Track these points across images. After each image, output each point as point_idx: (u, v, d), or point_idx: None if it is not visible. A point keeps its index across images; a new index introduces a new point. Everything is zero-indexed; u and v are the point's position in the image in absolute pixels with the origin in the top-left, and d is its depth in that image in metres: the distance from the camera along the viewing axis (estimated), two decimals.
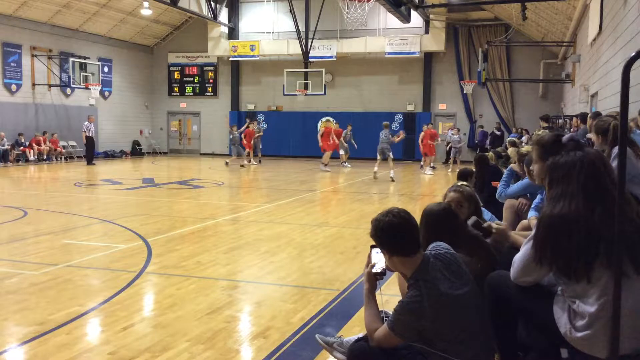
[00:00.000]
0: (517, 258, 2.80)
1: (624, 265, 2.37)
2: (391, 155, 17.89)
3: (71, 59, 23.35)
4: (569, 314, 2.60)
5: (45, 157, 23.22)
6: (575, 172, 2.61)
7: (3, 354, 4.01)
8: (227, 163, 22.27)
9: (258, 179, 17.97)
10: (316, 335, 3.72)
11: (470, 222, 3.50)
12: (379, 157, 18.05)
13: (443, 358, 2.71)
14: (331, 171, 20.20)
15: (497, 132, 23.72)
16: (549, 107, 23.17)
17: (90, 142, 22.38)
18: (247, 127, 23.46)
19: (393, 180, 16.93)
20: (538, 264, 2.64)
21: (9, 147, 21.86)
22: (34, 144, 22.85)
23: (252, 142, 23.17)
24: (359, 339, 3.09)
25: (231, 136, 23.17)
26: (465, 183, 4.36)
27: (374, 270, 2.97)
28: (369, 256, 3.00)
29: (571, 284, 2.57)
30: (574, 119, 12.54)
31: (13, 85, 22.59)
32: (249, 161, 22.84)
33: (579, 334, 2.53)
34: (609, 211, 2.45)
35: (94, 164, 22.01)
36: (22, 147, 22.47)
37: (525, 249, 2.75)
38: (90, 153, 22.44)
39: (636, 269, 2.46)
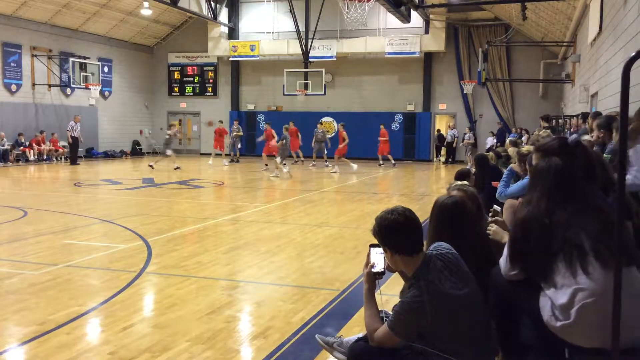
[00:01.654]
0: (503, 256, 3.00)
1: (587, 263, 2.58)
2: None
3: (71, 59, 23.35)
4: (552, 303, 2.68)
5: (45, 157, 23.23)
6: (542, 178, 2.89)
7: (3, 354, 4.01)
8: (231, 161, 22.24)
9: (257, 180, 17.96)
10: (316, 336, 3.72)
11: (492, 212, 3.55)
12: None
13: (443, 358, 2.71)
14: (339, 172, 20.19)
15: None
16: (549, 107, 23.16)
17: (75, 142, 22.33)
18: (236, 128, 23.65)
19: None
20: (512, 263, 2.88)
21: (9, 147, 21.86)
22: (34, 144, 22.85)
23: (226, 141, 22.94)
24: (359, 339, 3.09)
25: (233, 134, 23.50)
26: (466, 182, 4.36)
27: (373, 270, 2.97)
28: (368, 256, 3.00)
29: (543, 278, 2.74)
30: (575, 119, 12.54)
31: (13, 85, 22.59)
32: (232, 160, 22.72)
33: (558, 324, 2.61)
34: (573, 214, 2.70)
35: (79, 164, 22.05)
36: (22, 147, 22.46)
37: (506, 248, 2.96)
38: (75, 153, 22.41)
39: (601, 265, 2.59)
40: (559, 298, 2.61)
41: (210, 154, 25.03)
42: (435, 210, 3.34)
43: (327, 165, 21.43)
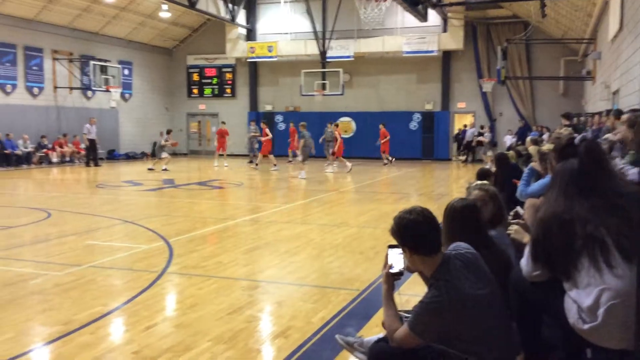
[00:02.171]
0: (524, 257, 2.99)
1: (611, 257, 2.57)
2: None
3: (92, 62, 23.63)
4: (578, 305, 2.65)
5: (67, 159, 23.55)
6: (559, 177, 2.95)
7: (28, 354, 4.09)
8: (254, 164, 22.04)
9: (276, 180, 18.03)
10: (336, 336, 3.73)
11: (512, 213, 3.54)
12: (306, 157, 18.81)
13: (464, 358, 2.71)
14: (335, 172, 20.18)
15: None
16: (570, 105, 22.89)
17: (92, 144, 22.59)
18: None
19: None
20: (535, 263, 2.88)
21: (32, 149, 22.20)
22: (56, 146, 23.19)
23: (224, 143, 22.89)
24: (379, 340, 3.09)
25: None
26: (486, 182, 4.35)
27: (391, 271, 2.98)
28: (387, 257, 3.00)
29: (567, 280, 2.73)
30: (596, 116, 12.39)
31: (35, 88, 22.93)
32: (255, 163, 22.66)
33: (586, 326, 2.58)
34: (592, 210, 2.71)
35: (100, 166, 22.35)
36: (44, 150, 22.81)
37: (527, 248, 2.96)
38: (94, 155, 22.68)
39: (625, 259, 2.57)
40: (584, 300, 2.60)
41: (235, 155, 24.99)
42: (446, 213, 3.33)
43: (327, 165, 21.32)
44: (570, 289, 2.70)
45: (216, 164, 22.56)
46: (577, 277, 2.66)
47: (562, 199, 2.84)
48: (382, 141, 23.42)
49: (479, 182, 4.59)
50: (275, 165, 20.74)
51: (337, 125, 21.95)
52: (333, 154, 21.14)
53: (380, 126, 23.70)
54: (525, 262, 2.98)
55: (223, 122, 24.58)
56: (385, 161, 23.43)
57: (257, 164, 21.39)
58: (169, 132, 21.30)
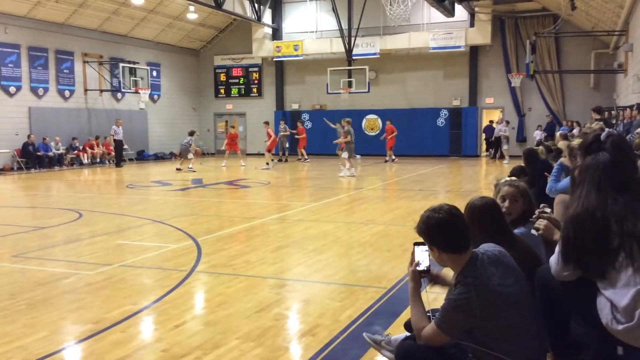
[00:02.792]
0: (554, 255, 2.89)
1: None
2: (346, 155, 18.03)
3: (121, 64, 23.98)
4: (612, 305, 2.59)
5: (98, 160, 23.96)
6: (590, 173, 2.81)
7: (61, 352, 4.17)
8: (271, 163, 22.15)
9: (303, 178, 18.06)
10: (364, 334, 3.72)
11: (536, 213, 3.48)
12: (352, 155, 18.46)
13: (492, 356, 2.68)
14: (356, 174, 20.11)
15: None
16: (601, 99, 22.46)
17: (118, 145, 23.04)
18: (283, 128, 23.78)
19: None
20: (566, 262, 2.78)
21: (64, 151, 22.64)
22: (87, 148, 23.61)
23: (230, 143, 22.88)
24: (406, 338, 3.08)
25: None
26: (514, 178, 4.29)
27: (418, 269, 2.96)
28: (413, 254, 2.98)
29: (601, 279, 2.63)
30: (628, 110, 12.13)
31: (66, 91, 23.37)
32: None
33: (620, 327, 2.52)
34: (628, 206, 2.61)
35: (122, 167, 22.69)
36: (76, 151, 23.24)
37: (558, 246, 2.86)
38: (119, 156, 23.17)
39: None
40: (621, 299, 2.53)
41: (262, 154, 25.03)
42: (465, 212, 3.28)
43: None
44: (605, 288, 2.62)
45: (224, 163, 22.41)
46: (613, 276, 2.57)
47: (594, 194, 2.74)
48: (389, 137, 23.53)
49: (508, 178, 4.53)
50: (268, 164, 20.86)
51: (349, 122, 22.02)
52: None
53: (387, 122, 23.82)
54: (555, 261, 2.88)
55: (232, 127, 24.74)
56: (387, 158, 23.50)
57: (286, 159, 21.55)
58: (192, 133, 21.41)
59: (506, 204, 3.75)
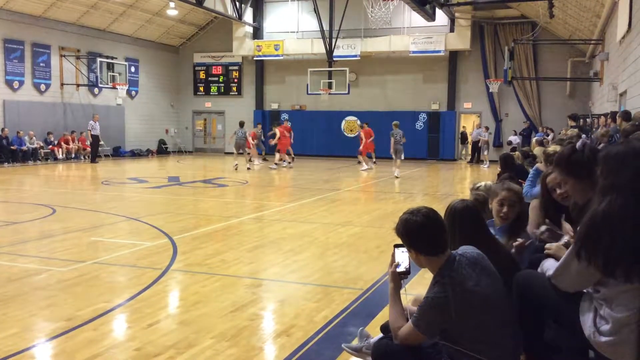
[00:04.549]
0: (557, 265, 2.73)
1: None
2: (402, 156, 18.55)
3: (99, 59, 23.71)
4: (595, 316, 2.55)
5: (73, 155, 23.63)
6: (625, 164, 2.44)
7: (32, 349, 4.10)
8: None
9: (282, 178, 18.02)
10: (342, 345, 3.72)
11: (542, 230, 3.46)
12: (394, 157, 18.46)
13: (467, 356, 2.70)
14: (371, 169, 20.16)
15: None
16: (576, 106, 22.82)
17: (95, 141, 22.80)
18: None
19: (397, 178, 17.53)
20: (577, 258, 2.51)
21: (38, 145, 22.28)
22: (62, 143, 23.27)
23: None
24: (383, 337, 3.09)
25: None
26: (490, 182, 4.32)
27: (398, 270, 2.97)
28: (393, 255, 3.00)
29: (602, 287, 2.50)
30: (602, 117, 12.33)
31: (42, 85, 23.01)
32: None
33: (603, 339, 2.47)
34: None
35: (97, 163, 22.43)
36: (50, 146, 22.89)
37: (570, 248, 2.65)
38: (95, 151, 22.91)
39: None
40: (615, 312, 2.42)
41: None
42: (446, 215, 3.30)
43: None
44: (601, 298, 2.49)
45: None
46: (623, 288, 2.40)
47: (628, 192, 2.40)
48: (368, 141, 21.18)
49: (482, 183, 4.57)
50: (283, 161, 20.86)
51: (361, 126, 22.19)
52: (360, 153, 21.52)
53: (364, 125, 21.87)
54: (561, 261, 2.68)
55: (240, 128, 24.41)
56: (365, 166, 21.00)
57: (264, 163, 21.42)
58: (242, 124, 21.18)
59: (504, 209, 3.73)
